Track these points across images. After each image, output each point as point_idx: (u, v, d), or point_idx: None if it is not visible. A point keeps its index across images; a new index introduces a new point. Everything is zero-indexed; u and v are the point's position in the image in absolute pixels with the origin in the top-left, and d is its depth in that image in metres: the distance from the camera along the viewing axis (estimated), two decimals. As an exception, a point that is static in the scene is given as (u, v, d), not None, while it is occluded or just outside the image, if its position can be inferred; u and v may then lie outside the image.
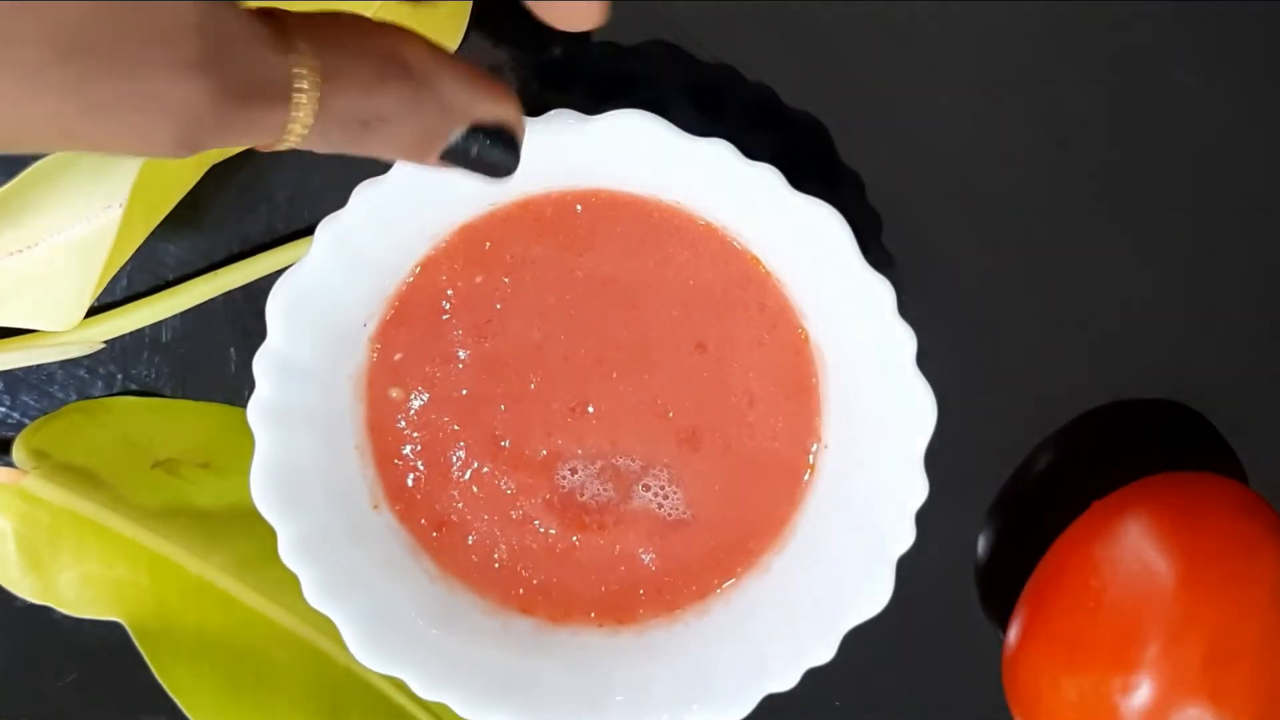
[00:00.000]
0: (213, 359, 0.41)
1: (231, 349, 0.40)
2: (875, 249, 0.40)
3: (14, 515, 0.39)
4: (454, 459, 0.37)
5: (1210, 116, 0.39)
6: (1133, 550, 0.37)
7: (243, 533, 0.39)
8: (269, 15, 0.26)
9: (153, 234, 0.37)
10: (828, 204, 0.34)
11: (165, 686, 0.39)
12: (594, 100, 0.39)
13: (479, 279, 0.36)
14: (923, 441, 0.35)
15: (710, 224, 0.36)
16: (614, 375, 0.37)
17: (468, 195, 0.35)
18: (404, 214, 0.35)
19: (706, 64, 0.39)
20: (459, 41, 0.38)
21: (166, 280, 0.40)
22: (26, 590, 0.39)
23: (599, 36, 0.39)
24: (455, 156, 0.29)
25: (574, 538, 0.38)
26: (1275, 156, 0.39)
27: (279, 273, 0.35)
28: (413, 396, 0.37)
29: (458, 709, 0.37)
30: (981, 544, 0.41)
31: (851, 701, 0.42)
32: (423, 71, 0.28)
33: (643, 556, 0.38)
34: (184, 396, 0.41)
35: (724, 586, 0.38)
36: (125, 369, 0.41)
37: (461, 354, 0.37)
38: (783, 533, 0.38)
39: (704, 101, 0.39)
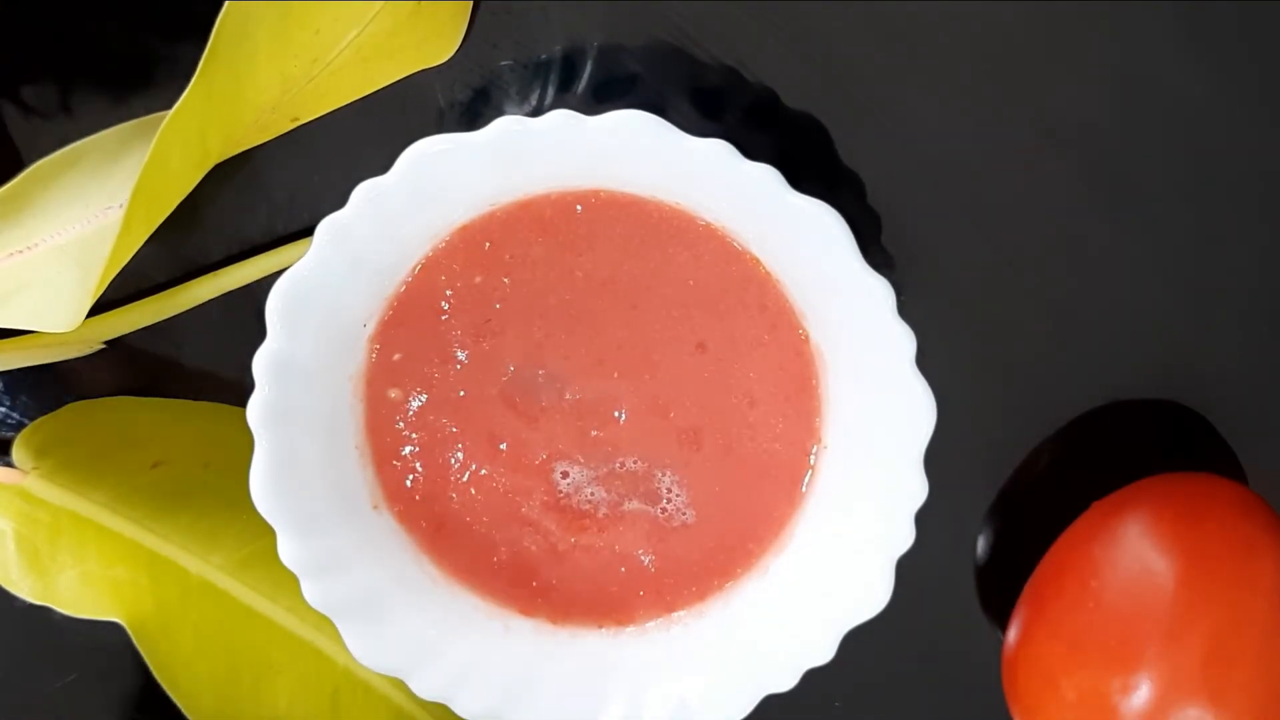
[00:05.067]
0: (212, 359, 0.41)
1: (231, 349, 0.40)
2: (875, 250, 0.40)
3: (14, 515, 0.39)
4: (453, 460, 0.37)
5: (1210, 117, 0.39)
6: (1133, 551, 0.37)
7: (243, 533, 0.39)
8: None
9: (153, 234, 0.37)
10: (827, 205, 0.34)
11: (164, 686, 0.39)
12: (594, 100, 0.39)
13: (478, 279, 0.36)
14: (923, 441, 0.35)
15: (710, 224, 0.36)
16: (614, 376, 0.37)
17: (467, 196, 0.35)
18: (403, 214, 0.35)
19: (706, 64, 0.39)
20: (459, 41, 0.38)
21: (167, 280, 0.40)
22: (26, 590, 0.39)
23: (599, 37, 0.39)
24: None
25: (573, 539, 0.38)
26: (1275, 156, 0.39)
27: (279, 273, 0.35)
28: (411, 397, 0.37)
29: (458, 710, 0.37)
30: (981, 544, 0.41)
31: (851, 701, 0.42)
32: None
33: (642, 558, 0.38)
34: (184, 396, 0.41)
35: (724, 587, 0.38)
36: (125, 369, 0.41)
37: (460, 354, 0.37)
38: (782, 533, 0.38)
39: (704, 101, 0.39)
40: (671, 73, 0.39)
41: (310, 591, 0.35)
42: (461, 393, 0.37)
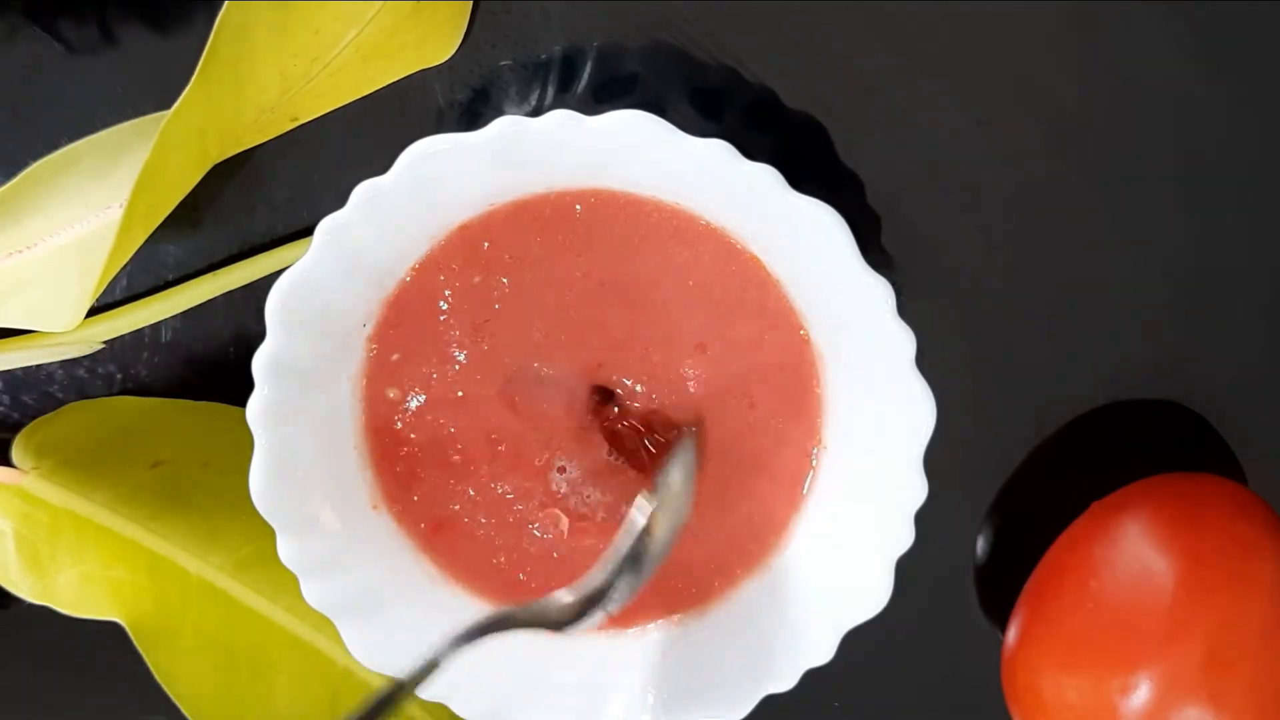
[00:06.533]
0: (213, 359, 0.41)
1: (231, 349, 0.40)
2: (875, 249, 0.40)
3: (14, 515, 0.39)
4: (452, 460, 0.37)
5: (1210, 116, 0.39)
6: (1132, 551, 0.37)
7: (242, 533, 0.39)
8: None
9: (153, 234, 0.37)
10: (827, 204, 0.34)
11: (164, 686, 0.39)
12: (594, 100, 0.39)
13: (477, 279, 0.36)
14: (923, 442, 0.35)
15: (710, 224, 0.36)
16: (614, 376, 0.37)
17: (466, 195, 0.35)
18: (402, 214, 0.35)
19: (706, 64, 0.39)
20: (459, 41, 0.38)
21: (166, 280, 0.40)
22: (26, 590, 0.39)
23: (599, 37, 0.39)
24: None
25: (572, 540, 0.38)
26: (1275, 156, 0.39)
27: (279, 273, 0.35)
28: (410, 397, 0.37)
29: (458, 710, 0.37)
30: (981, 544, 0.41)
31: (851, 701, 0.42)
32: None
33: (642, 558, 0.38)
34: (184, 396, 0.41)
35: (724, 587, 0.38)
36: (125, 369, 0.41)
37: (459, 355, 0.37)
38: (783, 534, 0.38)
39: (704, 101, 0.39)
40: (671, 73, 0.39)
41: (310, 591, 0.35)
42: (460, 393, 0.37)
